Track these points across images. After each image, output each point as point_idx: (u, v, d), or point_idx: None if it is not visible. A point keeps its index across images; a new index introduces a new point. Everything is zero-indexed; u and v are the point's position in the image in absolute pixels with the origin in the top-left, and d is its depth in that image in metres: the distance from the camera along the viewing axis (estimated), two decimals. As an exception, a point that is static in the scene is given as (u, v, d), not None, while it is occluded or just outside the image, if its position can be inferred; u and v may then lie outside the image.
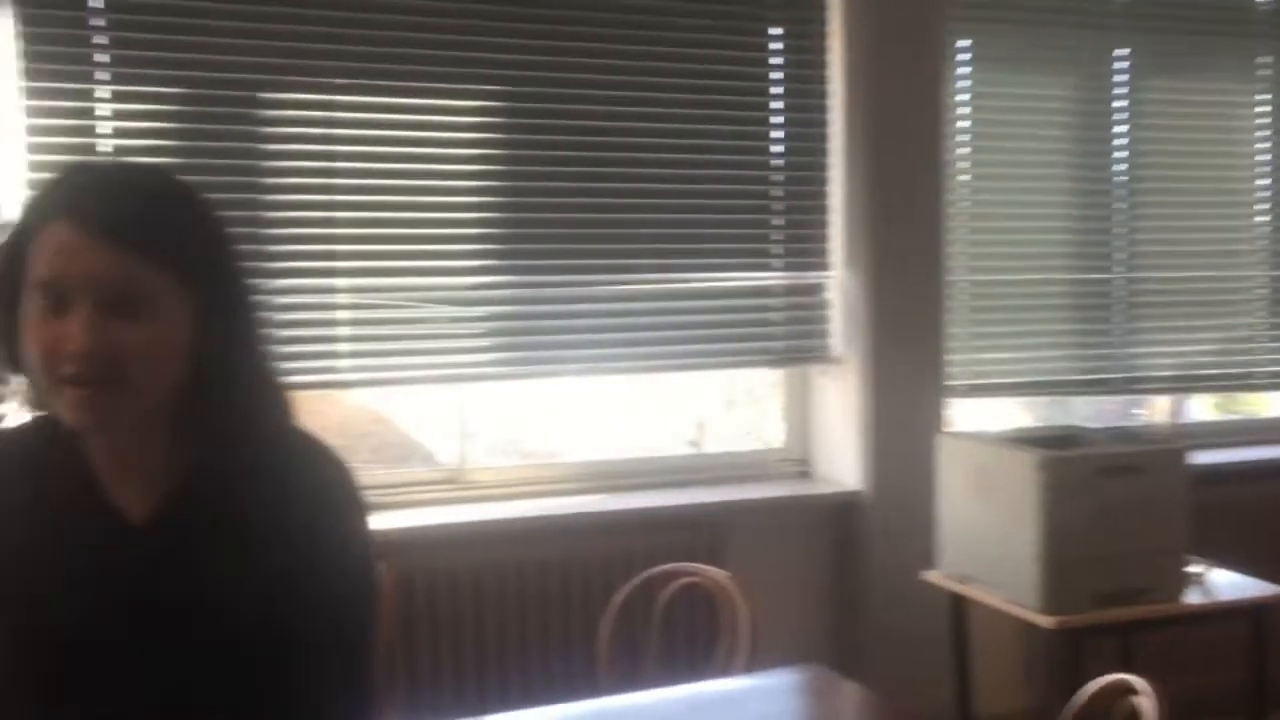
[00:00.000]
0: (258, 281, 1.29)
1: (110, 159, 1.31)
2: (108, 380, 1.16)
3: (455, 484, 3.29)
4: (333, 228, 3.03)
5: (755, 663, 2.57)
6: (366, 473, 3.39)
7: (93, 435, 1.22)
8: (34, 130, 2.76)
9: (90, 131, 2.83)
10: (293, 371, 3.01)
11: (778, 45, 3.45)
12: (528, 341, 3.26)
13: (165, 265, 1.18)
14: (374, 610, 1.36)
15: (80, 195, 1.19)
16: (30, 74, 2.75)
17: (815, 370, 3.61)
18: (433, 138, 3.14)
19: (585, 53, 3.24)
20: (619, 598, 2.78)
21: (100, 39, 2.83)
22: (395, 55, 3.05)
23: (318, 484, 1.31)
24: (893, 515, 3.42)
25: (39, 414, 1.27)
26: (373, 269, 3.08)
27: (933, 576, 3.14)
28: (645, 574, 2.84)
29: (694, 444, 3.85)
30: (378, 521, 2.97)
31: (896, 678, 3.13)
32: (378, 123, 3.06)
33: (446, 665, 3.06)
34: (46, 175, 2.09)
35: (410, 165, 3.10)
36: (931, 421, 3.44)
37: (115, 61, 2.84)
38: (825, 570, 3.54)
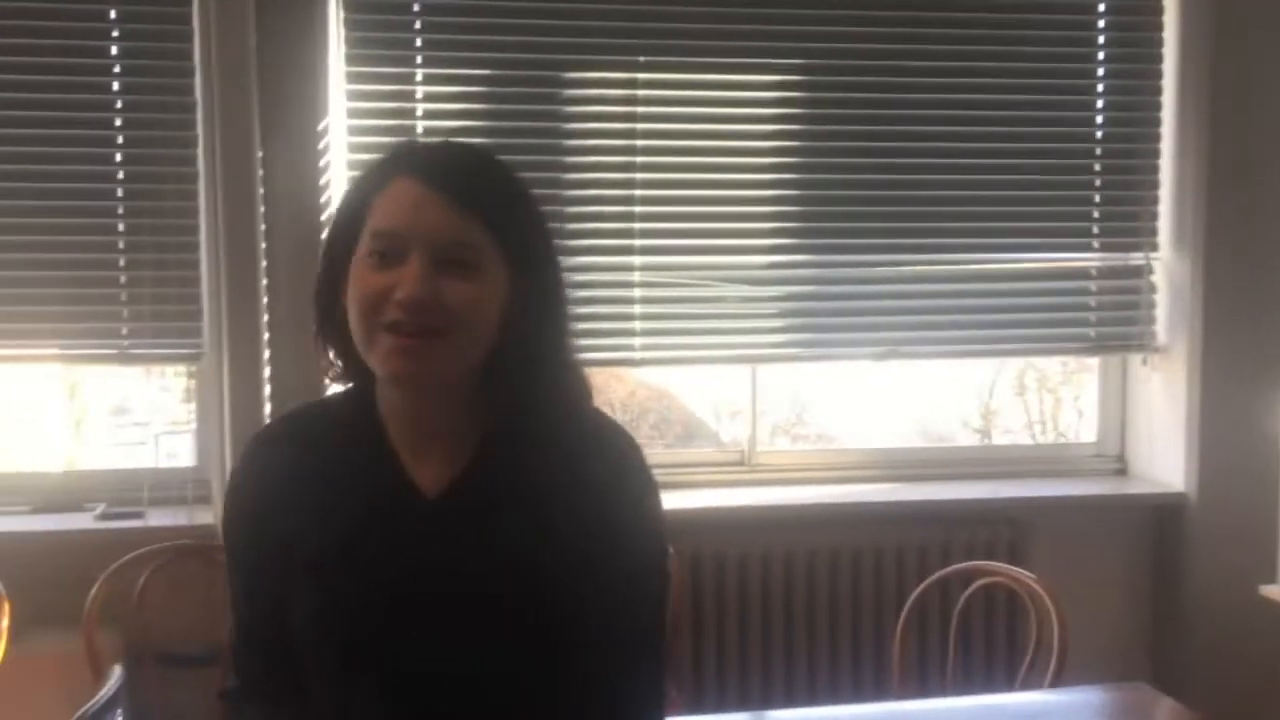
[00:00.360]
0: (567, 264, 1.34)
1: (440, 138, 1.36)
2: (430, 331, 1.20)
3: (745, 466, 3.23)
4: (631, 205, 3.03)
5: (1062, 676, 2.38)
6: (658, 452, 3.44)
7: (403, 385, 1.25)
8: (355, 113, 2.90)
9: (409, 114, 2.93)
10: (589, 349, 3.04)
11: (1103, 5, 3.17)
12: (822, 323, 3.16)
13: (496, 232, 1.22)
14: (666, 591, 1.35)
15: (426, 158, 1.26)
16: (352, 59, 2.89)
17: (1134, 359, 3.32)
18: (733, 114, 3.08)
19: (889, 21, 3.09)
20: (915, 594, 2.63)
21: (416, 24, 2.93)
22: (696, 31, 3.01)
23: (613, 463, 1.31)
24: (1224, 521, 3.10)
25: (343, 388, 1.32)
26: (668, 247, 3.06)
27: (1272, 591, 2.82)
28: (944, 571, 2.68)
29: (981, 432, 3.65)
30: (667, 501, 2.95)
31: (1225, 701, 2.84)
32: (678, 99, 3.04)
33: (731, 650, 3.02)
34: (368, 156, 2.15)
35: (709, 142, 3.06)
36: (1272, 419, 3.09)
37: (428, 45, 2.94)
38: (1142, 577, 3.26)
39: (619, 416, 3.85)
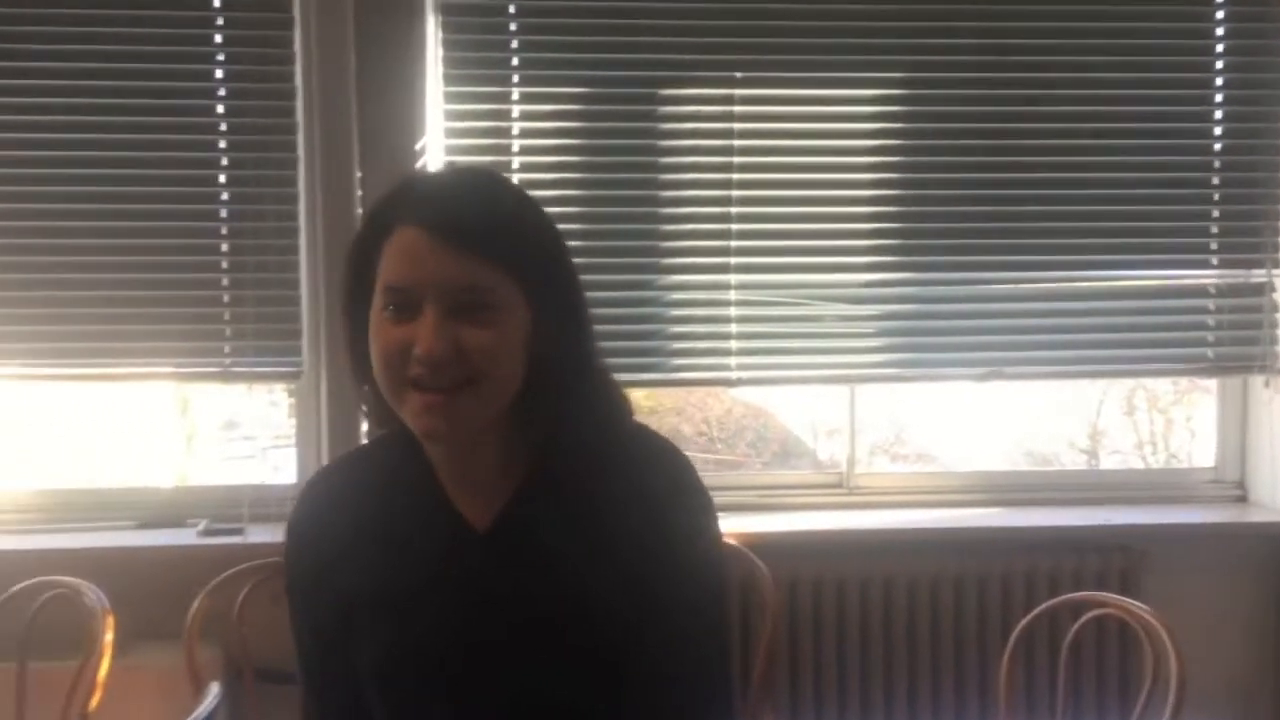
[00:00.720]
0: (585, 282, 1.28)
1: (448, 163, 1.33)
2: (456, 384, 1.17)
3: (843, 488, 3.16)
4: (728, 223, 2.99)
5: (1180, 715, 2.26)
6: (755, 471, 3.39)
7: (437, 442, 1.23)
8: (452, 133, 2.91)
9: (505, 133, 2.93)
10: (685, 368, 3.01)
11: (1221, 12, 3.04)
12: (922, 343, 3.07)
13: (508, 269, 1.19)
14: (728, 613, 1.30)
15: (429, 201, 1.22)
16: (449, 79, 2.90)
17: (1255, 381, 3.16)
18: (831, 129, 3.02)
19: (992, 33, 3.00)
20: (1022, 624, 2.53)
21: (513, 43, 2.93)
22: (793, 45, 2.96)
23: (669, 477, 1.27)
24: (1354, 554, 2.93)
25: (384, 432, 1.30)
26: (765, 265, 3.01)
27: None
28: (1052, 601, 2.57)
29: (1087, 453, 3.51)
30: (764, 524, 2.87)
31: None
32: (775, 115, 2.99)
33: (829, 679, 2.94)
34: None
35: (806, 158, 3.00)
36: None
37: (524, 64, 2.94)
38: (1264, 612, 3.10)
39: (714, 433, 3.82)
